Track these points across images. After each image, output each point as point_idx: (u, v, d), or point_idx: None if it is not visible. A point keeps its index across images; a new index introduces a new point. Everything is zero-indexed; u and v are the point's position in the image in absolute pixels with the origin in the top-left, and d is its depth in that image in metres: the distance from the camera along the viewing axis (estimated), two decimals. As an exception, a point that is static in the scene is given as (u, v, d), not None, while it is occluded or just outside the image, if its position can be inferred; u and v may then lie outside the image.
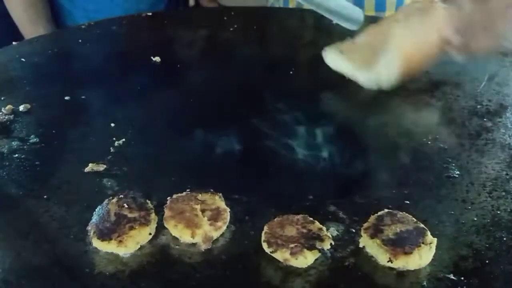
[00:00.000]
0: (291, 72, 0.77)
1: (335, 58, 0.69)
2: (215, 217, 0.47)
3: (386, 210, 0.49)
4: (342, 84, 0.73)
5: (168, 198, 0.50)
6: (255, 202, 0.52)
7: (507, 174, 0.56)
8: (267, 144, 0.60)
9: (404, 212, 0.48)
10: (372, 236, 0.46)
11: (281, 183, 0.55)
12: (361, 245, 0.47)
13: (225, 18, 0.94)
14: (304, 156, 0.59)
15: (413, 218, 0.47)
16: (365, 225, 0.48)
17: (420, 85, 0.74)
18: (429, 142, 0.62)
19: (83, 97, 0.69)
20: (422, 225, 0.47)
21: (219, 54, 0.83)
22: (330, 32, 0.92)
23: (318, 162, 0.58)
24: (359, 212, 0.50)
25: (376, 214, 0.49)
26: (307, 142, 0.61)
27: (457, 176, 0.56)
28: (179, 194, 0.50)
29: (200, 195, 0.50)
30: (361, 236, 0.47)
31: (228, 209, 0.49)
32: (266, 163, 0.58)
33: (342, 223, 0.49)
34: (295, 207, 0.51)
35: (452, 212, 0.51)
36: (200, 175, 0.56)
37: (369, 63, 0.66)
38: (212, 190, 0.51)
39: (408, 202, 0.52)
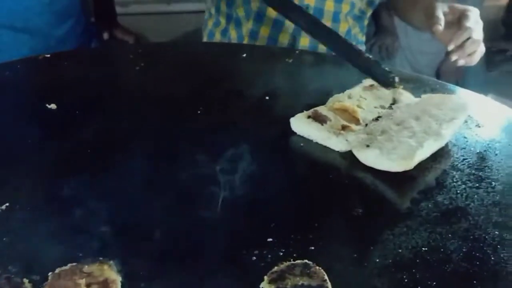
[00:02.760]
0: (198, 112, 0.75)
1: (304, 125, 0.70)
2: (102, 291, 0.43)
3: (304, 261, 0.48)
4: (251, 122, 0.73)
5: (50, 273, 0.45)
6: (152, 266, 0.48)
7: (407, 208, 0.57)
8: (168, 202, 0.57)
9: (320, 268, 0.47)
10: (271, 281, 0.45)
11: (183, 242, 0.52)
12: (260, 286, 0.45)
13: (131, 56, 0.90)
14: (205, 207, 0.56)
15: (325, 276, 0.46)
16: (275, 268, 0.47)
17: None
18: (330, 176, 0.62)
19: (-37, 156, 0.62)
20: (328, 285, 0.45)
21: (123, 97, 0.79)
22: (240, 68, 0.91)
23: (219, 213, 0.56)
24: (258, 263, 0.48)
25: (291, 262, 0.48)
26: (208, 195, 0.58)
27: (361, 214, 0.56)
28: (62, 268, 0.45)
29: (86, 266, 0.45)
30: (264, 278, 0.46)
31: (120, 279, 0.45)
32: (166, 221, 0.54)
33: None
34: (200, 268, 0.48)
35: (356, 255, 0.50)
36: (93, 240, 0.51)
37: (340, 132, 0.68)
38: (101, 258, 0.46)
39: (313, 248, 0.51)
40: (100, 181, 0.58)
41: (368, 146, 0.64)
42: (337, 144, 0.67)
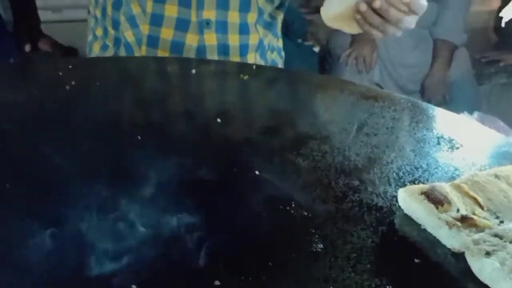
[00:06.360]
0: (139, 137, 0.78)
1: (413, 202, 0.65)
2: None
3: None
4: (199, 148, 0.76)
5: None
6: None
7: (372, 242, 0.61)
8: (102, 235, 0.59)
9: None
10: None
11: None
12: None
13: (60, 73, 0.93)
14: (148, 245, 0.59)
15: None
16: None
17: (286, 142, 0.79)
18: (292, 211, 0.66)
19: None
20: None
21: (50, 123, 0.81)
22: (188, 86, 0.95)
23: (161, 251, 0.59)
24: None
25: None
26: (158, 218, 0.61)
27: (320, 250, 0.60)
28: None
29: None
30: None
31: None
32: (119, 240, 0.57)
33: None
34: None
35: (315, 297, 0.54)
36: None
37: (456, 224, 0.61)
38: None
39: (267, 290, 0.55)
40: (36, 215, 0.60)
41: (488, 254, 0.56)
42: (448, 238, 0.60)
